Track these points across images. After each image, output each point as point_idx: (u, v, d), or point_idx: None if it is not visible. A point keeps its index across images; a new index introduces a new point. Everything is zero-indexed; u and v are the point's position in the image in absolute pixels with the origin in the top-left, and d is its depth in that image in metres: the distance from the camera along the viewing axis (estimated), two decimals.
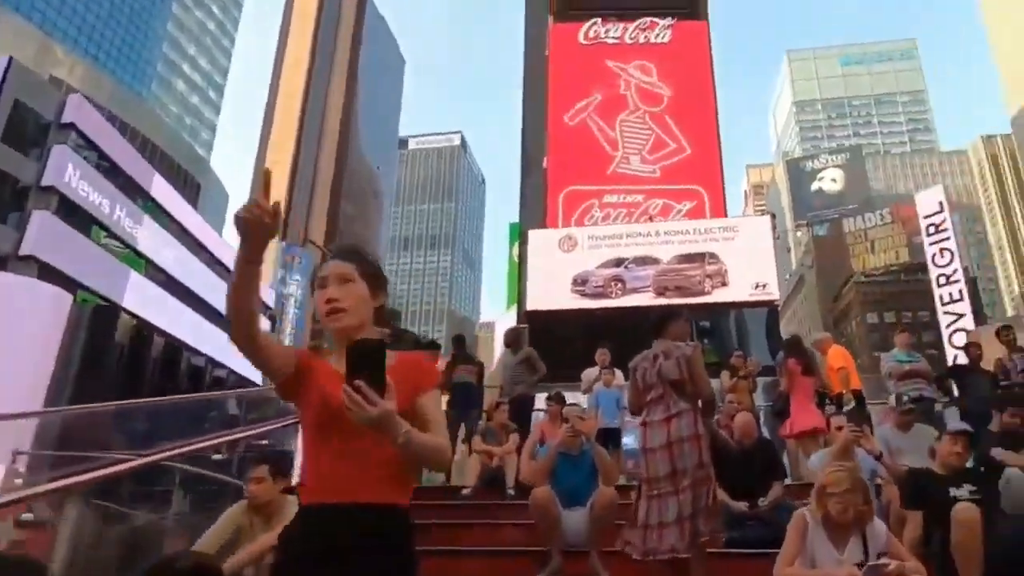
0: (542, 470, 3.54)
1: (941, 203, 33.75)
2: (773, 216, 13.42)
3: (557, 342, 10.83)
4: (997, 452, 3.78)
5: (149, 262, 23.65)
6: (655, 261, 11.48)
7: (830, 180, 61.88)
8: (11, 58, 17.63)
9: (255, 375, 30.48)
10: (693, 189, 16.67)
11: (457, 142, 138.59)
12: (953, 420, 5.91)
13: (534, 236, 12.26)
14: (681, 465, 2.82)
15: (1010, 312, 79.11)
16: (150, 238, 23.48)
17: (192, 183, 34.85)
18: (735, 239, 11.68)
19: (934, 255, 32.77)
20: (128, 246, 22.24)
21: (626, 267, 11.37)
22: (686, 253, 11.60)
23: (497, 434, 5.41)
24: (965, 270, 32.90)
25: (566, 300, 11.10)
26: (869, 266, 49.10)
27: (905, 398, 5.02)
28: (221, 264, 30.36)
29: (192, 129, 61.96)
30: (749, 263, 11.38)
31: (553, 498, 3.32)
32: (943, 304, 30.65)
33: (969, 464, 3.31)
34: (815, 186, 61.30)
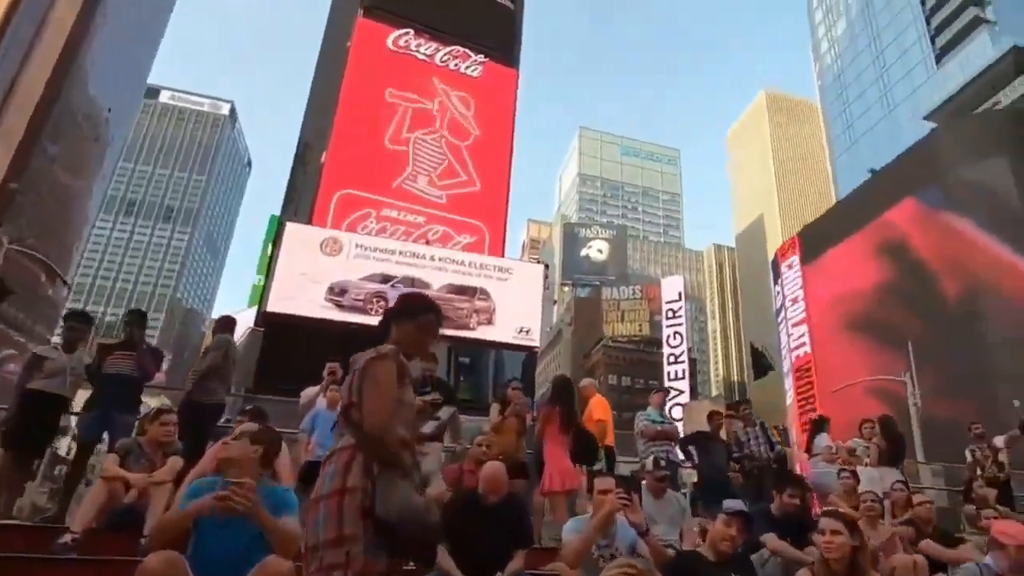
0: (171, 524, 2.59)
1: (680, 293, 41.20)
2: (547, 266, 14.45)
3: (295, 353, 9.95)
4: (768, 538, 3.64)
5: None
6: (425, 285, 11.38)
7: (597, 250, 70.77)
8: None
9: None
10: (476, 224, 17.22)
11: (225, 111, 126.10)
12: (698, 487, 6.42)
13: (293, 230, 11.30)
14: (312, 538, 1.89)
15: (714, 391, 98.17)
16: None
17: None
18: (508, 280, 12.23)
19: (669, 336, 39.62)
20: None
21: (393, 285, 11.07)
22: (458, 284, 11.77)
23: (149, 455, 4.14)
24: (689, 351, 40.35)
25: (317, 308, 10.32)
26: (618, 333, 56.65)
27: (662, 461, 5.05)
28: None
29: None
30: (517, 307, 11.97)
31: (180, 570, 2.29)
32: (669, 379, 37.17)
33: (740, 550, 3.17)
34: (584, 252, 69.35)
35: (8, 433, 4.93)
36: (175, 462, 4.08)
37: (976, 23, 43.42)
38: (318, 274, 10.57)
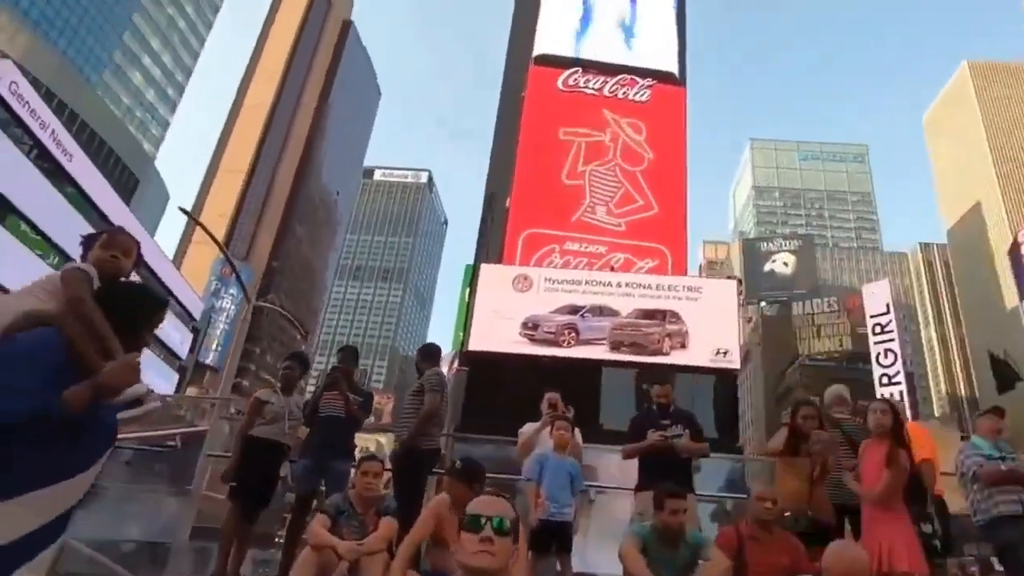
0: None
1: (888, 304, 35.10)
2: (740, 281, 12.98)
3: (497, 390, 9.82)
4: None
5: (61, 253, 21.48)
6: (613, 313, 10.73)
7: (782, 263, 64.15)
8: None
9: (164, 387, 28.01)
10: (657, 248, 16.31)
11: (424, 180, 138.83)
12: None
13: (487, 271, 11.38)
14: None
15: (937, 411, 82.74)
16: (69, 230, 21.33)
17: (130, 177, 32.71)
18: (699, 300, 11.10)
19: (879, 354, 33.83)
20: (41, 234, 20.16)
21: (582, 316, 10.56)
22: (646, 308, 10.92)
23: (360, 514, 3.32)
24: (905, 364, 34.03)
25: (513, 344, 10.14)
26: (814, 350, 50.37)
27: None
28: (147, 266, 28.23)
29: (141, 123, 59.26)
30: (711, 327, 10.76)
31: None
32: None
33: None
34: (768, 267, 63.35)
35: (234, 485, 4.52)
36: (388, 526, 3.27)
37: None
38: (512, 310, 10.44)
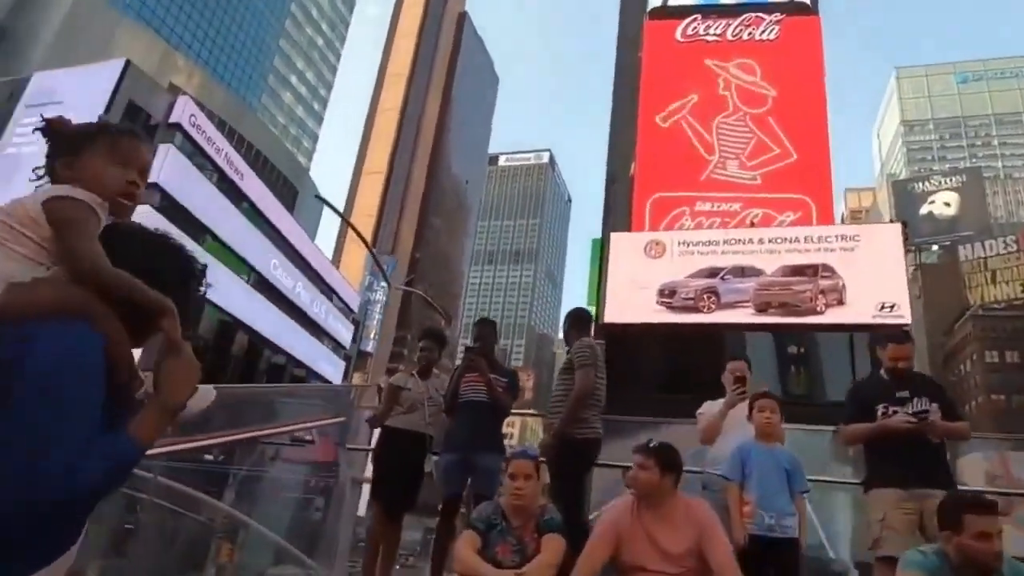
0: None
1: None
2: (905, 224, 11.11)
3: (638, 363, 9.26)
4: None
5: (252, 269, 23.84)
6: (757, 272, 9.62)
7: (943, 204, 55.14)
8: (127, 61, 18.40)
9: (334, 375, 30.67)
10: (798, 198, 14.62)
11: (546, 160, 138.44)
12: None
13: (617, 240, 10.73)
14: None
15: None
16: (249, 241, 23.82)
17: (290, 189, 35.88)
18: (855, 250, 9.61)
19: None
20: (224, 245, 22.71)
21: (722, 278, 9.59)
22: (795, 264, 9.66)
23: (516, 528, 2.56)
24: None
25: (650, 313, 9.47)
26: (989, 299, 43.02)
27: None
28: (310, 267, 30.85)
29: (295, 139, 65.01)
30: (873, 279, 9.27)
31: None
32: None
33: None
34: (924, 210, 54.89)
35: (375, 482, 4.00)
36: (554, 547, 2.47)
37: None
38: (647, 279, 9.74)
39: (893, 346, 3.31)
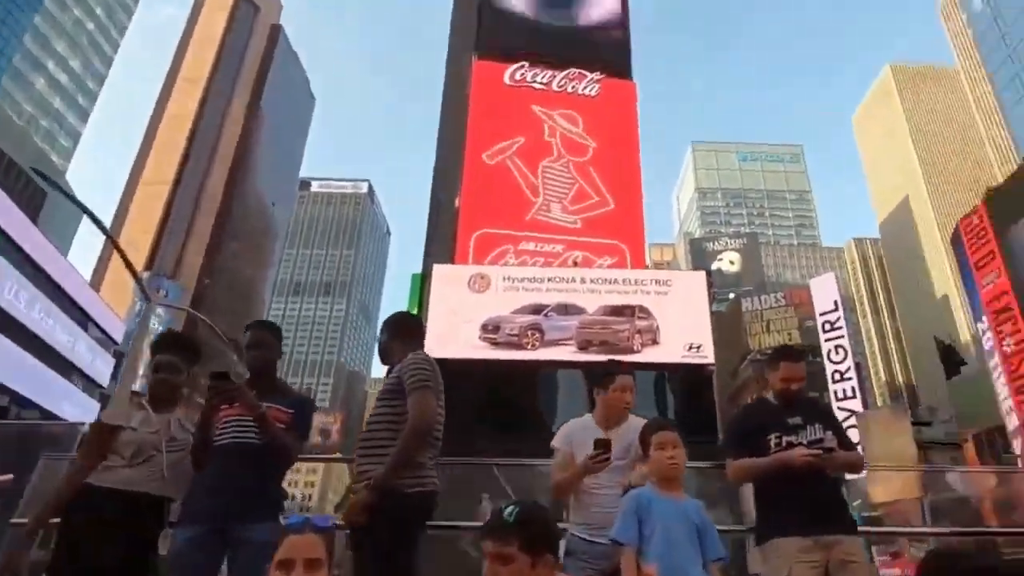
0: None
1: (836, 302, 35.78)
2: (709, 273, 12.63)
3: (459, 401, 9.00)
4: None
5: None
6: (580, 311, 10.10)
7: (728, 262, 65.99)
8: None
9: (82, 418, 25.73)
10: (615, 244, 15.96)
11: (364, 190, 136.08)
12: None
13: (440, 271, 10.55)
14: None
15: (879, 400, 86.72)
16: None
17: (36, 193, 30.17)
18: (668, 294, 10.62)
19: (829, 351, 34.37)
20: None
21: (546, 315, 9.88)
22: (614, 305, 10.34)
23: None
24: (857, 363, 34.82)
25: (472, 349, 9.35)
26: (764, 345, 51.58)
27: None
28: (60, 289, 26.03)
29: (48, 133, 55.25)
30: (682, 321, 10.29)
31: None
32: (837, 399, 31.83)
33: None
34: (715, 266, 64.92)
35: (53, 570, 2.53)
36: None
37: None
38: (469, 312, 9.65)
39: (786, 364, 2.92)
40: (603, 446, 2.64)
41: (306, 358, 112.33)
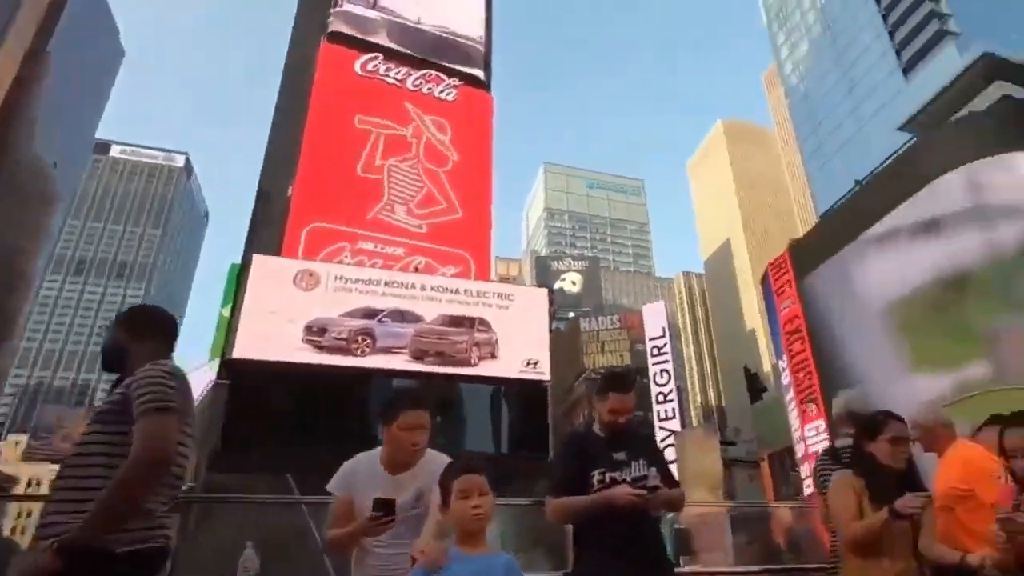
0: None
1: (664, 328, 40.08)
2: (551, 291, 13.13)
3: (270, 410, 8.37)
4: None
5: None
6: (417, 318, 9.94)
7: (571, 282, 70.06)
8: None
9: None
10: (460, 254, 16.02)
11: (179, 163, 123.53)
12: None
13: (262, 264, 9.75)
14: None
15: (694, 421, 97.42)
16: None
17: None
18: (509, 308, 10.86)
19: (655, 374, 38.29)
20: None
21: (380, 320, 9.57)
22: (453, 315, 10.33)
23: None
24: (678, 387, 39.10)
25: (293, 351, 8.74)
26: (599, 365, 55.37)
27: None
28: None
29: None
30: (522, 336, 10.58)
31: None
32: (659, 419, 35.64)
33: None
34: (558, 285, 68.49)
35: None
36: None
37: (940, 35, 45.18)
38: (293, 312, 9.03)
39: (615, 396, 2.83)
40: (383, 508, 2.32)
41: (86, 348, 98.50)
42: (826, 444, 20.93)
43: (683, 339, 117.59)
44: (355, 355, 8.99)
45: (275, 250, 14.25)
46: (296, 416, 8.42)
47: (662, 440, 31.75)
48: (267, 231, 16.10)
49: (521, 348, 10.44)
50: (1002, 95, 28.50)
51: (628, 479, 2.68)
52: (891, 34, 50.26)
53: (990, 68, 36.04)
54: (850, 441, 3.42)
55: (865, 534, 2.61)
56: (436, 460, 2.55)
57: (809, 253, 25.38)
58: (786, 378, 25.90)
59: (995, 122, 20.12)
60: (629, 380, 2.97)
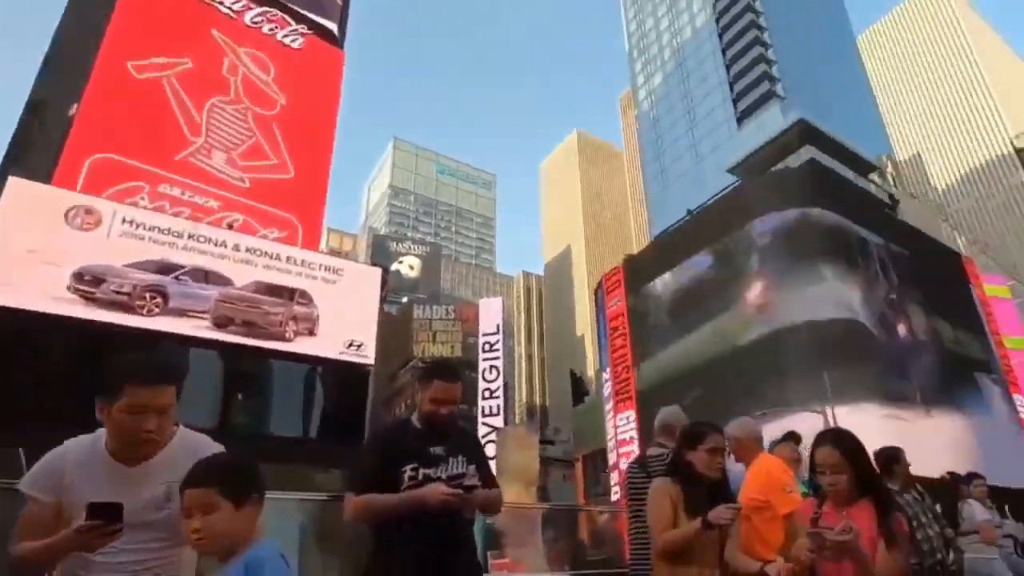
0: None
1: (499, 325, 41.14)
2: (386, 271, 12.52)
3: (25, 371, 6.98)
4: None
5: None
6: (225, 282, 8.89)
7: (408, 266, 69.01)
8: None
9: None
10: (287, 217, 14.79)
11: None
12: None
13: (22, 188, 8.07)
14: None
15: (517, 418, 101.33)
16: None
17: None
18: (337, 284, 10.15)
19: (485, 370, 39.12)
20: None
21: (177, 278, 8.40)
22: (270, 283, 9.41)
23: None
24: (505, 384, 40.30)
25: (54, 302, 7.33)
26: (428, 354, 55.07)
27: None
28: None
29: None
30: (347, 316, 9.92)
31: None
32: (484, 415, 36.52)
33: None
34: (395, 266, 67.09)
35: None
36: None
37: (769, 95, 52.48)
38: (59, 254, 7.58)
39: (440, 384, 2.71)
40: (101, 515, 1.80)
41: None
42: (633, 433, 23.11)
43: (516, 338, 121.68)
44: (139, 314, 7.77)
45: (46, 176, 12.10)
46: (56, 383, 7.05)
47: (484, 436, 32.47)
48: (37, 155, 13.61)
49: (345, 328, 9.80)
50: (810, 157, 34.01)
51: (443, 476, 2.55)
52: (731, 85, 57.69)
53: (803, 132, 43.63)
54: (660, 451, 3.94)
55: (679, 543, 2.78)
56: (192, 442, 2.09)
57: (641, 269, 27.76)
58: (607, 389, 27.72)
59: (799, 181, 23.32)
60: (454, 370, 2.88)
